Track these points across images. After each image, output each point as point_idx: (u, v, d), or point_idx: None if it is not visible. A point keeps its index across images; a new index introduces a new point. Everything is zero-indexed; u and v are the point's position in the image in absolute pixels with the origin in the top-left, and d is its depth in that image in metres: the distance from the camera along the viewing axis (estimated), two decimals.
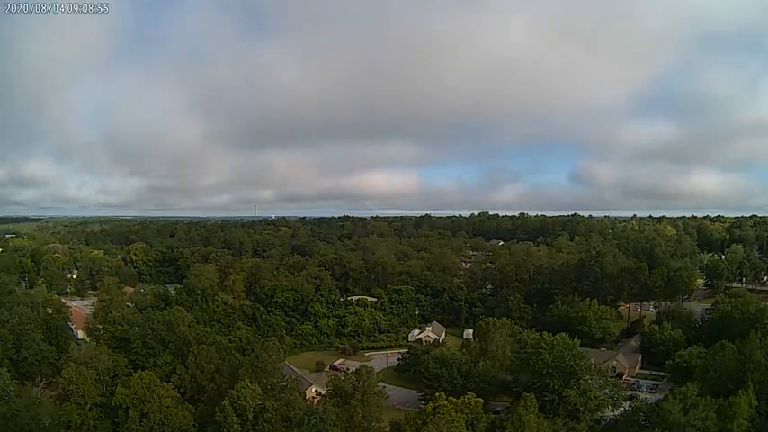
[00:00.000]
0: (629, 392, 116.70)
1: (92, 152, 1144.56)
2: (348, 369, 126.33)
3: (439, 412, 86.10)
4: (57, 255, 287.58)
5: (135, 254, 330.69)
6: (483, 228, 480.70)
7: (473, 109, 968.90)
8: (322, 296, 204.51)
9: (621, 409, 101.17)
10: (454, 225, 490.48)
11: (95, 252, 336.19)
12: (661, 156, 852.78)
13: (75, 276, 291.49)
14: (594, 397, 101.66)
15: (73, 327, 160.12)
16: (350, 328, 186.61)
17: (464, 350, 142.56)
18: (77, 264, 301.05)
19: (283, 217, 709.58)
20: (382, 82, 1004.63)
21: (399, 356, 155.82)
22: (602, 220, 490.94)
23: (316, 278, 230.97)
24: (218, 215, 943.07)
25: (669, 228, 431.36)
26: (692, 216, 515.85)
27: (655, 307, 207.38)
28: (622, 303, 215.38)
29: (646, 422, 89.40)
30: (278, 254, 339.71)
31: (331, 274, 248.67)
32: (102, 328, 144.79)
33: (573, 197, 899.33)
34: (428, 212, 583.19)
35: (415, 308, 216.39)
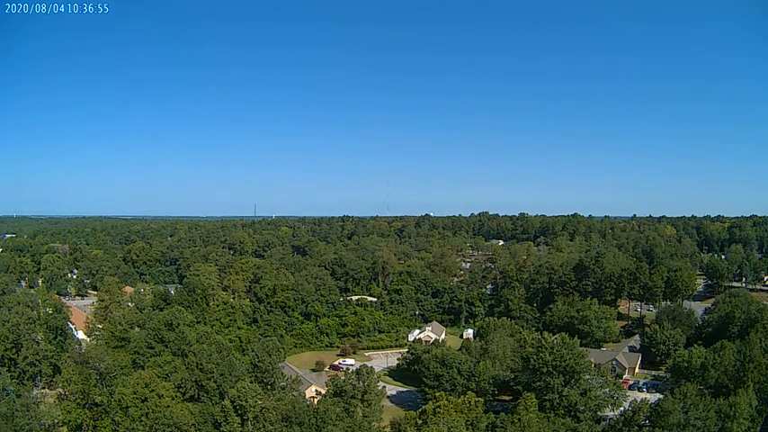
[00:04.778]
0: (628, 392, 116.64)
1: None
2: (348, 369, 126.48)
3: (439, 412, 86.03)
4: (57, 255, 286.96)
5: (135, 254, 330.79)
6: (483, 227, 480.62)
7: None
8: (322, 296, 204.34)
9: (621, 408, 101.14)
10: (454, 225, 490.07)
11: (95, 252, 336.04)
12: None
13: (75, 276, 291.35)
14: (595, 397, 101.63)
15: (73, 327, 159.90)
16: (350, 328, 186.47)
17: (464, 350, 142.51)
18: (77, 264, 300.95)
19: (283, 217, 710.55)
20: None
21: (399, 356, 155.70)
22: (602, 220, 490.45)
23: (316, 278, 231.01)
24: (219, 215, 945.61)
25: (669, 228, 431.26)
26: (692, 216, 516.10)
27: (655, 307, 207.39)
28: (622, 303, 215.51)
29: (646, 422, 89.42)
30: (278, 254, 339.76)
31: (331, 274, 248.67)
32: (102, 328, 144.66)
33: None
34: (428, 212, 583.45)
35: (416, 308, 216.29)
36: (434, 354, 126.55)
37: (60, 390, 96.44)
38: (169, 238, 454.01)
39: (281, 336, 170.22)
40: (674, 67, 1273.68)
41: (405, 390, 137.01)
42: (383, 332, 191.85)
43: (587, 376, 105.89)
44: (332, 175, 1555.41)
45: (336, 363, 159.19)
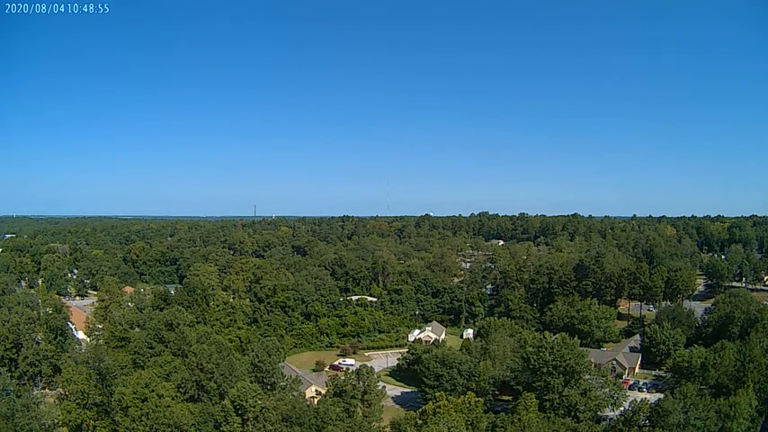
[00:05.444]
0: (628, 392, 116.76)
1: None
2: (348, 369, 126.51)
3: (439, 412, 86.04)
4: (57, 255, 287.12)
5: (135, 254, 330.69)
6: (483, 228, 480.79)
7: None
8: (322, 296, 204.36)
9: (621, 408, 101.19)
10: (454, 225, 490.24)
11: (95, 252, 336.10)
12: None
13: (75, 276, 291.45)
14: (595, 397, 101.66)
15: (73, 327, 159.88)
16: (350, 328, 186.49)
17: (465, 350, 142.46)
18: (77, 264, 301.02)
19: (283, 217, 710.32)
20: None
21: (399, 356, 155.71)
22: (602, 220, 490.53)
23: (316, 278, 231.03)
24: (219, 215, 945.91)
25: (669, 228, 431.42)
26: (692, 216, 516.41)
27: (655, 307, 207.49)
28: (622, 303, 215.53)
29: (646, 422, 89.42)
30: (278, 254, 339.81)
31: (331, 274, 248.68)
32: (102, 328, 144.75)
33: None
34: (428, 212, 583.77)
35: (416, 308, 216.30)
36: (435, 354, 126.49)
37: (60, 390, 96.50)
38: (169, 238, 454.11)
39: (281, 336, 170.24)
40: (675, 66, 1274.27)
41: (409, 390, 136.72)
42: (383, 332, 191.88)
43: (587, 376, 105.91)
44: (332, 175, 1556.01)
45: (336, 363, 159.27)
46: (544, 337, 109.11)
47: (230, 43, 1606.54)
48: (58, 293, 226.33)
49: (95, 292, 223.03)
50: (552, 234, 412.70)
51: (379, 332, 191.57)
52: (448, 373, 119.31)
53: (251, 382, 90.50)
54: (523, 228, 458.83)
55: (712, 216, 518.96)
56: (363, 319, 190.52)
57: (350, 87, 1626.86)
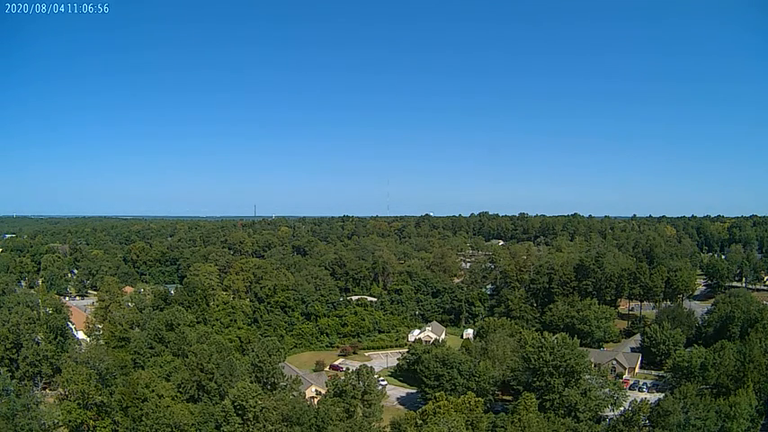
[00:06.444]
0: (629, 392, 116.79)
1: None
2: (348, 369, 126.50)
3: (439, 412, 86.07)
4: (57, 255, 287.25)
5: (135, 254, 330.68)
6: (483, 227, 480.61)
7: None
8: (322, 296, 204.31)
9: (621, 408, 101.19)
10: (454, 225, 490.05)
11: (95, 252, 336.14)
12: None
13: (75, 276, 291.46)
14: (595, 397, 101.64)
15: (73, 327, 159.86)
16: (350, 328, 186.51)
17: (465, 350, 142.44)
18: (77, 264, 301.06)
19: (283, 217, 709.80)
20: None
21: (399, 356, 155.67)
22: (602, 220, 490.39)
23: (316, 278, 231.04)
24: (219, 215, 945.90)
25: (669, 228, 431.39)
26: (693, 216, 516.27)
27: (655, 307, 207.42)
28: (622, 303, 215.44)
29: (646, 422, 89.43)
30: (278, 254, 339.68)
31: (331, 274, 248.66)
32: (103, 328, 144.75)
33: None
34: (428, 212, 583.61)
35: (416, 308, 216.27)
36: (435, 354, 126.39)
37: (60, 390, 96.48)
38: (169, 238, 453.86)
39: (281, 336, 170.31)
40: (675, 67, 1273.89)
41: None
42: (383, 332, 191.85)
43: (587, 376, 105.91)
44: (332, 175, 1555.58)
45: (336, 363, 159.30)
46: (544, 338, 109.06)
47: (230, 44, 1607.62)
48: (57, 293, 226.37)
49: (95, 292, 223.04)
50: (552, 234, 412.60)
51: (379, 332, 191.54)
52: (448, 373, 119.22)
53: (251, 383, 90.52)
54: (523, 228, 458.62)
55: (712, 216, 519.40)
56: (363, 319, 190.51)
57: (350, 87, 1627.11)
